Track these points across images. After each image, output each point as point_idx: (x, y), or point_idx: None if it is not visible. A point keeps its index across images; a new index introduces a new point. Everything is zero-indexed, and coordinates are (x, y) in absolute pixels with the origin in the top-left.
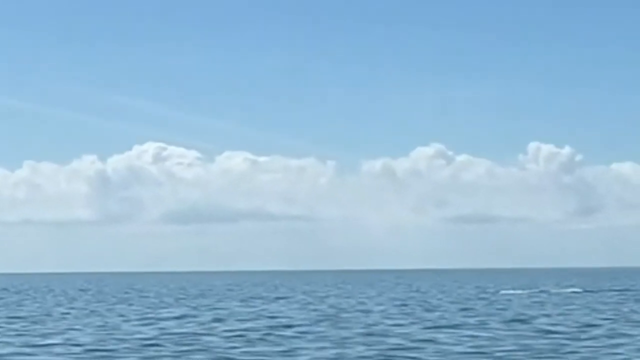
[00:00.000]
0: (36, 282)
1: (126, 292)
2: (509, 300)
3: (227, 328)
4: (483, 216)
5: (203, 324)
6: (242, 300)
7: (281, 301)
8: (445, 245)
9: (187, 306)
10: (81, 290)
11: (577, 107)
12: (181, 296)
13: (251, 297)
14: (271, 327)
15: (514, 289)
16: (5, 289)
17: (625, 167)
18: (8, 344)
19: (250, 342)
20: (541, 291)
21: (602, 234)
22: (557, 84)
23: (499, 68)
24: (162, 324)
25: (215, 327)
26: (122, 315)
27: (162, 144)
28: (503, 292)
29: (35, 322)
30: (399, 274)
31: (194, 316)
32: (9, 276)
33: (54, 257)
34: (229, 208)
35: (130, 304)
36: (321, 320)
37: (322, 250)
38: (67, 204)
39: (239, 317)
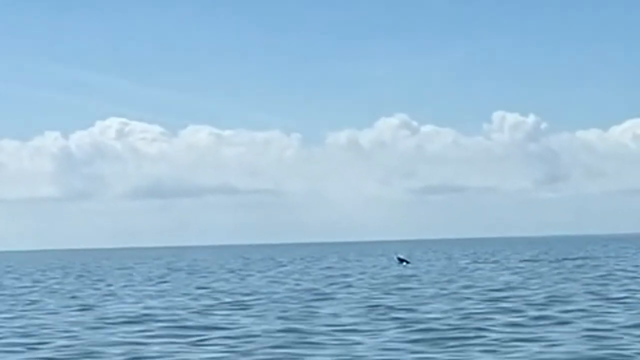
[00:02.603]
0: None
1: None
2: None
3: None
4: (450, 186)
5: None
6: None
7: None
8: (413, 216)
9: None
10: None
11: (540, 75)
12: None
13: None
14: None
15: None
16: None
17: (590, 135)
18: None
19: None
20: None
21: (569, 202)
22: (521, 51)
23: (462, 36)
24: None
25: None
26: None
27: (124, 120)
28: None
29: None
30: (365, 246)
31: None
32: None
33: (19, 235)
34: (194, 182)
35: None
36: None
37: (289, 224)
38: (31, 182)
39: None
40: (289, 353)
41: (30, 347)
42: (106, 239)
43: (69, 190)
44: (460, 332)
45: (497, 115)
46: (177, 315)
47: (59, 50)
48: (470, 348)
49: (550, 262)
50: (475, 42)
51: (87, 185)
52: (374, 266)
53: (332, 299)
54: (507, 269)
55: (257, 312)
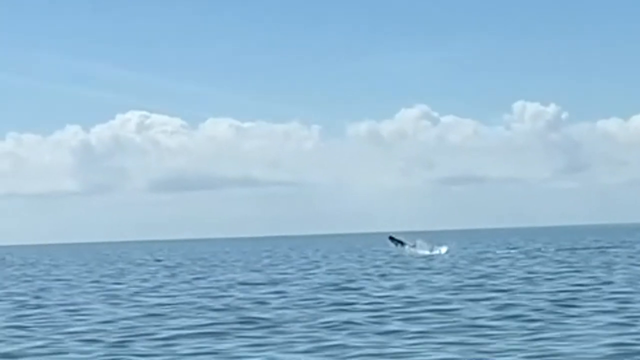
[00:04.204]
0: (32, 254)
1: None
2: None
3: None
4: (470, 177)
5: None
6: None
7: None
8: (433, 206)
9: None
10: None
11: (561, 64)
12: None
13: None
14: None
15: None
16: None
17: (611, 124)
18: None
19: None
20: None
21: (590, 192)
22: (541, 40)
23: (482, 26)
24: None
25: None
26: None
27: (145, 112)
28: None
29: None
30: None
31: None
32: None
33: (40, 229)
34: (214, 175)
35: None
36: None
37: (310, 215)
38: (52, 176)
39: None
40: None
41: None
42: (127, 232)
43: (89, 183)
44: None
45: (517, 105)
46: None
47: (79, 44)
48: None
49: (591, 249)
50: (496, 31)
51: (107, 178)
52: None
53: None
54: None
55: None
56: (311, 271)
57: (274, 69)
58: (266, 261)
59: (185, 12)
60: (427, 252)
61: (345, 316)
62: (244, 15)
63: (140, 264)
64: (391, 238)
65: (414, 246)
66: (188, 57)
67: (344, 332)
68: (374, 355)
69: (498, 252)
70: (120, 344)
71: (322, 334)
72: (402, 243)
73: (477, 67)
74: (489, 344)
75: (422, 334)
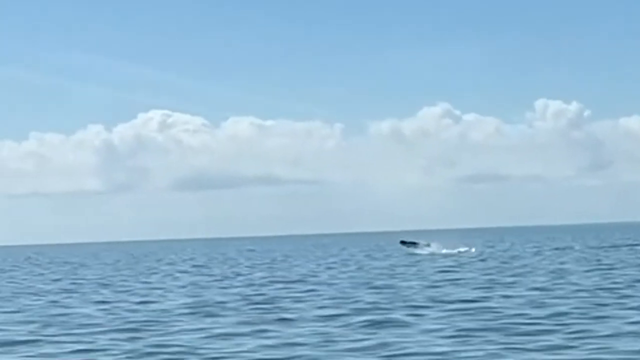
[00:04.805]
0: (56, 254)
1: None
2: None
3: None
4: (493, 175)
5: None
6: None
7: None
8: (456, 205)
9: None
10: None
11: (583, 62)
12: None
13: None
14: None
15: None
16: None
17: (633, 122)
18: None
19: None
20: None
21: (613, 190)
22: (563, 38)
23: (504, 23)
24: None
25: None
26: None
27: (167, 111)
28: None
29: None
30: (406, 235)
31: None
32: (20, 248)
33: (64, 228)
34: (236, 173)
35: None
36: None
37: (331, 213)
38: (75, 175)
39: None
40: None
41: None
42: (149, 231)
43: (112, 183)
44: None
45: (539, 103)
46: None
47: (101, 43)
48: None
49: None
50: (517, 29)
51: (130, 177)
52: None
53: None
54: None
55: None
56: (359, 268)
57: (295, 68)
58: (333, 260)
59: (208, 11)
60: (453, 251)
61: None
62: (266, 14)
63: (169, 264)
64: (402, 242)
65: (427, 245)
66: (209, 56)
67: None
68: None
69: (527, 249)
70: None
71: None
72: (414, 244)
73: (499, 64)
74: None
75: None
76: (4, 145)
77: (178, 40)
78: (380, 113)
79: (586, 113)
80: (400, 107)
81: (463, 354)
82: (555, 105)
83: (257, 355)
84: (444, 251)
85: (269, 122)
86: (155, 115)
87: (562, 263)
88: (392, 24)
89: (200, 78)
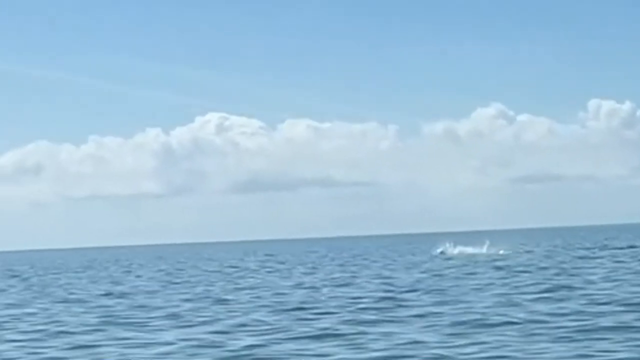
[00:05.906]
0: (118, 255)
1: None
2: None
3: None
4: (547, 175)
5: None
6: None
7: None
8: (510, 205)
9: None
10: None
11: (636, 61)
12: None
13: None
14: None
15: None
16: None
17: None
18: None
19: None
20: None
21: None
22: (616, 37)
23: (555, 23)
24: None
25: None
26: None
27: (224, 114)
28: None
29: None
30: (462, 236)
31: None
32: (80, 251)
33: (122, 231)
34: (292, 175)
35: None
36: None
37: (387, 215)
38: (134, 178)
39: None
40: None
41: None
42: (207, 233)
43: (170, 185)
44: None
45: (592, 103)
46: None
47: (158, 48)
48: None
49: None
50: (569, 29)
51: (187, 180)
52: None
53: None
54: None
55: None
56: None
57: (350, 69)
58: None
59: (263, 13)
60: (499, 252)
61: None
62: (321, 14)
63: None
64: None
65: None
66: (266, 58)
67: None
68: None
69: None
70: None
71: None
72: (442, 252)
73: (551, 64)
74: None
75: None
76: (63, 148)
77: (235, 43)
78: (434, 114)
79: (639, 113)
80: (454, 107)
81: None
82: (608, 105)
83: None
84: (486, 252)
85: (325, 125)
86: (213, 118)
87: None
88: (446, 24)
89: (257, 81)
